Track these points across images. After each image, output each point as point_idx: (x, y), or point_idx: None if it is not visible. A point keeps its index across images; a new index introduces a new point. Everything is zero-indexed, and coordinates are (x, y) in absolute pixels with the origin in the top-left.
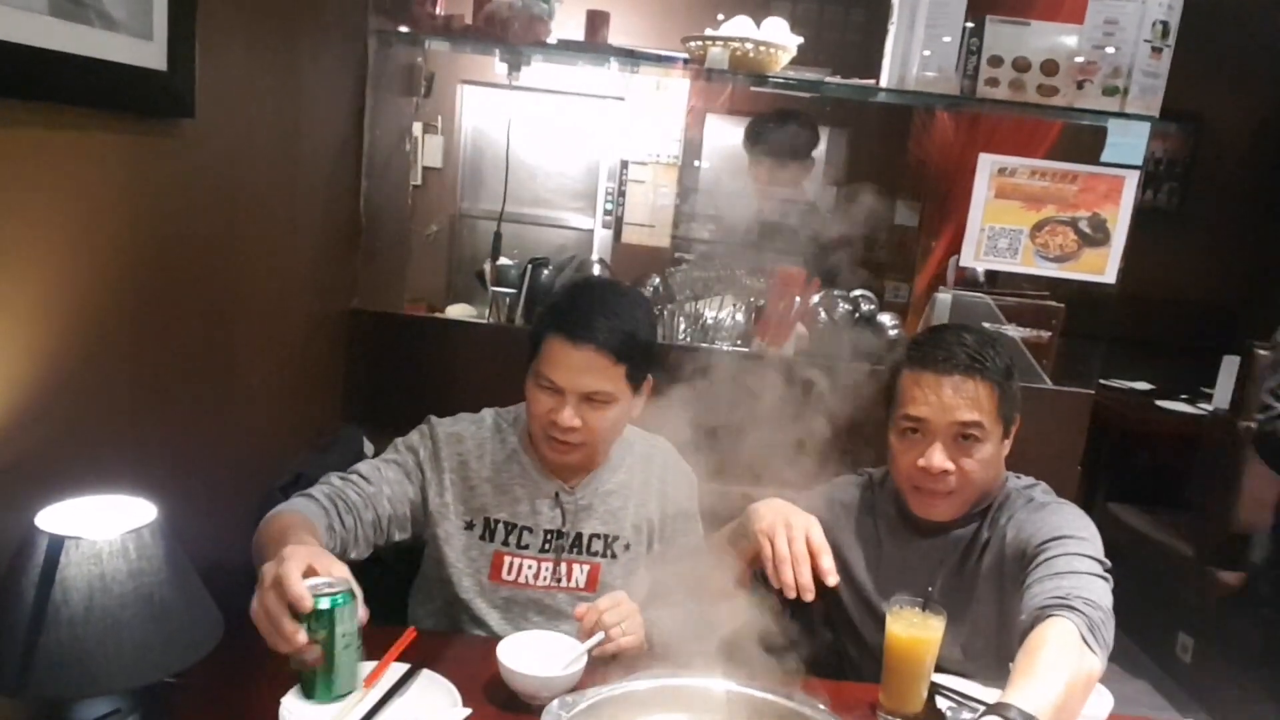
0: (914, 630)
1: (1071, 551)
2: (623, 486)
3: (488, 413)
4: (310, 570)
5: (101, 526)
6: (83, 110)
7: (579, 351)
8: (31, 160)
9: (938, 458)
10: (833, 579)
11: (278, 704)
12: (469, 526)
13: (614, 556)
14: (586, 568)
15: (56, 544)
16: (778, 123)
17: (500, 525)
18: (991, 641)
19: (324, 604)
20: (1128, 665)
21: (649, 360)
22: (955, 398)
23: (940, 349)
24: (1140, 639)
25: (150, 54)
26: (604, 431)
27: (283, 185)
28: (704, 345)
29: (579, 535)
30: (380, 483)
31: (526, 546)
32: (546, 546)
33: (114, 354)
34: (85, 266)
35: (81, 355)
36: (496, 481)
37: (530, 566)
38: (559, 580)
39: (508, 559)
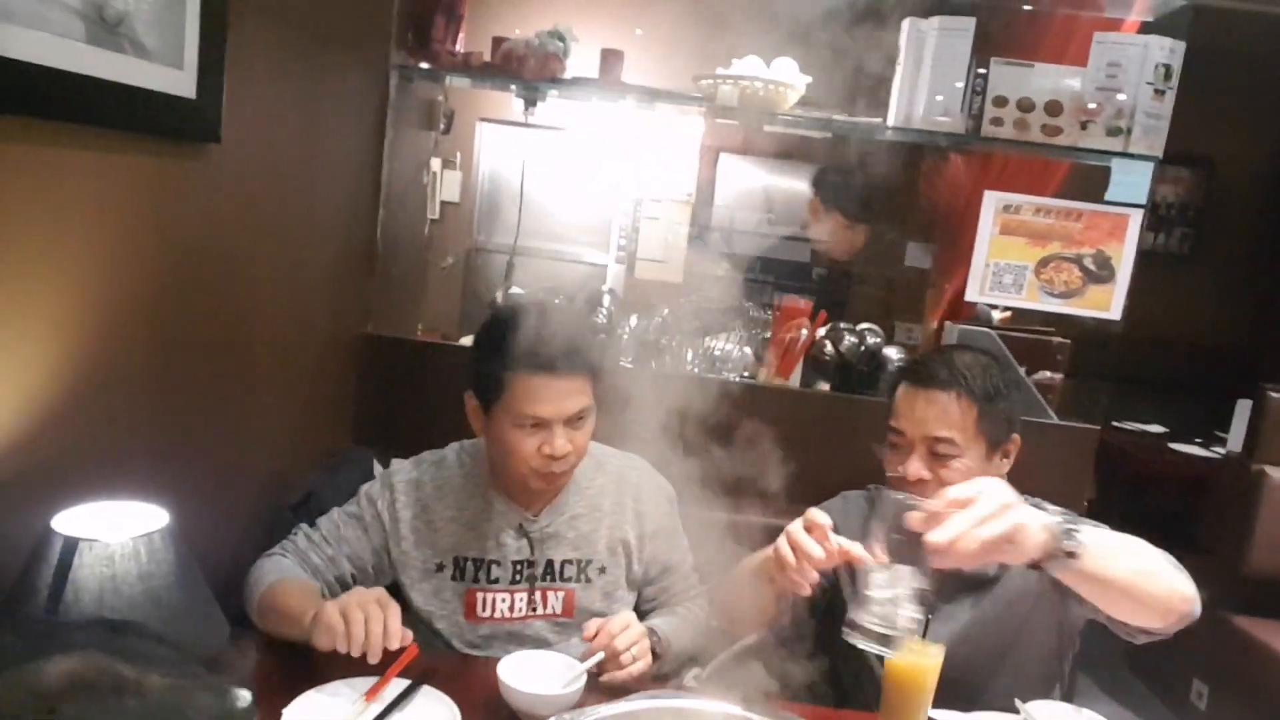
0: (913, 658)
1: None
2: (592, 509)
3: (451, 449)
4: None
5: (114, 530)
6: (114, 133)
7: (559, 380)
8: (62, 179)
9: (913, 467)
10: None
11: (279, 713)
12: (439, 569)
13: (589, 580)
14: (561, 594)
15: (70, 545)
16: (847, 175)
17: (469, 563)
18: (986, 658)
19: None
20: (1142, 712)
21: (601, 363)
22: (929, 411)
23: (927, 366)
24: (1155, 685)
25: (180, 82)
26: (584, 448)
27: (302, 211)
28: (709, 376)
29: (549, 563)
30: (339, 543)
31: (496, 580)
32: (517, 578)
33: (134, 367)
34: (110, 282)
35: (103, 367)
36: (461, 520)
37: (504, 600)
38: (534, 609)
39: (480, 595)
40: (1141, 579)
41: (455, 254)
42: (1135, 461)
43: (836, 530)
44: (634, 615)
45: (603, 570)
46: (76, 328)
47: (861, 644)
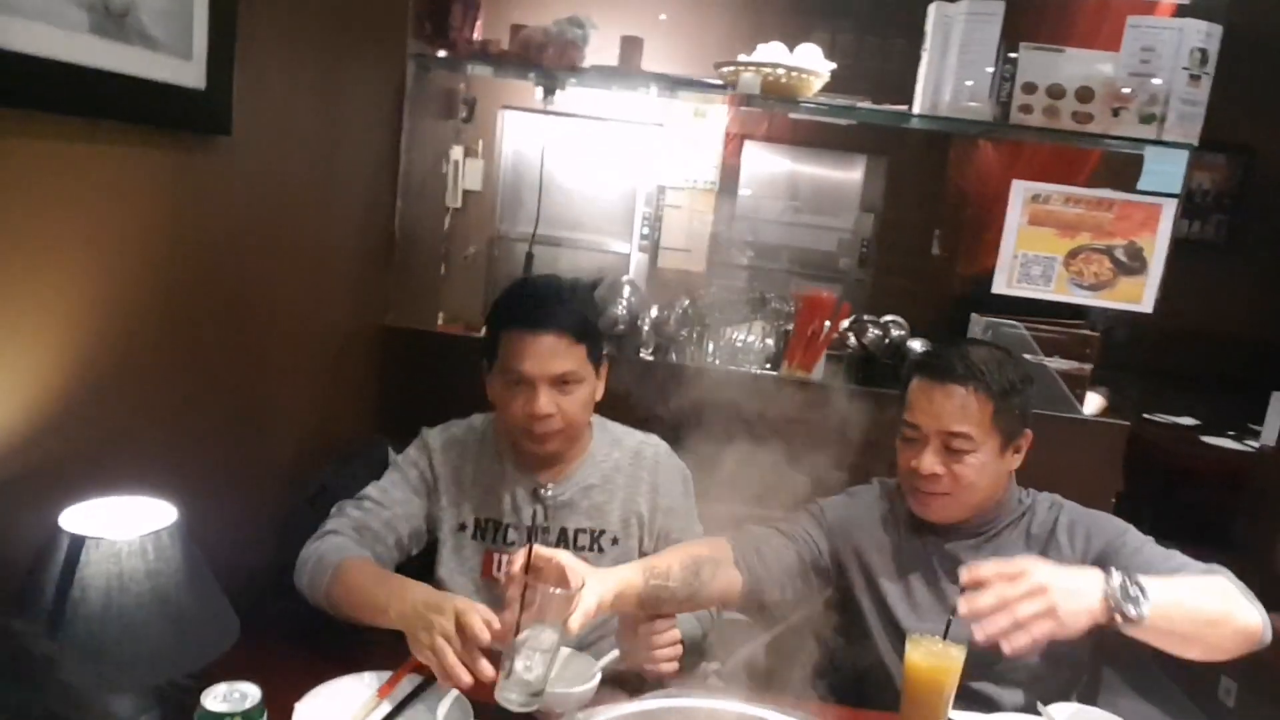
0: (934, 660)
1: (1149, 539)
2: (607, 480)
3: (479, 416)
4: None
5: (121, 528)
6: (122, 126)
7: (541, 337)
8: (71, 173)
9: (927, 461)
10: None
11: (292, 709)
12: (461, 529)
13: (601, 550)
14: None
15: (77, 543)
16: None
17: (489, 524)
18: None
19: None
20: (1170, 709)
21: (601, 341)
22: (945, 405)
23: (942, 359)
24: (1182, 681)
25: (189, 73)
26: (577, 414)
27: (318, 203)
28: (730, 368)
29: (563, 530)
30: (393, 505)
31: (512, 543)
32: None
33: (145, 363)
34: (120, 277)
35: (113, 362)
36: (483, 482)
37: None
38: None
39: (496, 556)
40: (1207, 629)
41: (478, 243)
42: (1166, 455)
43: (846, 526)
44: (674, 628)
45: (615, 541)
46: (85, 322)
47: (513, 699)
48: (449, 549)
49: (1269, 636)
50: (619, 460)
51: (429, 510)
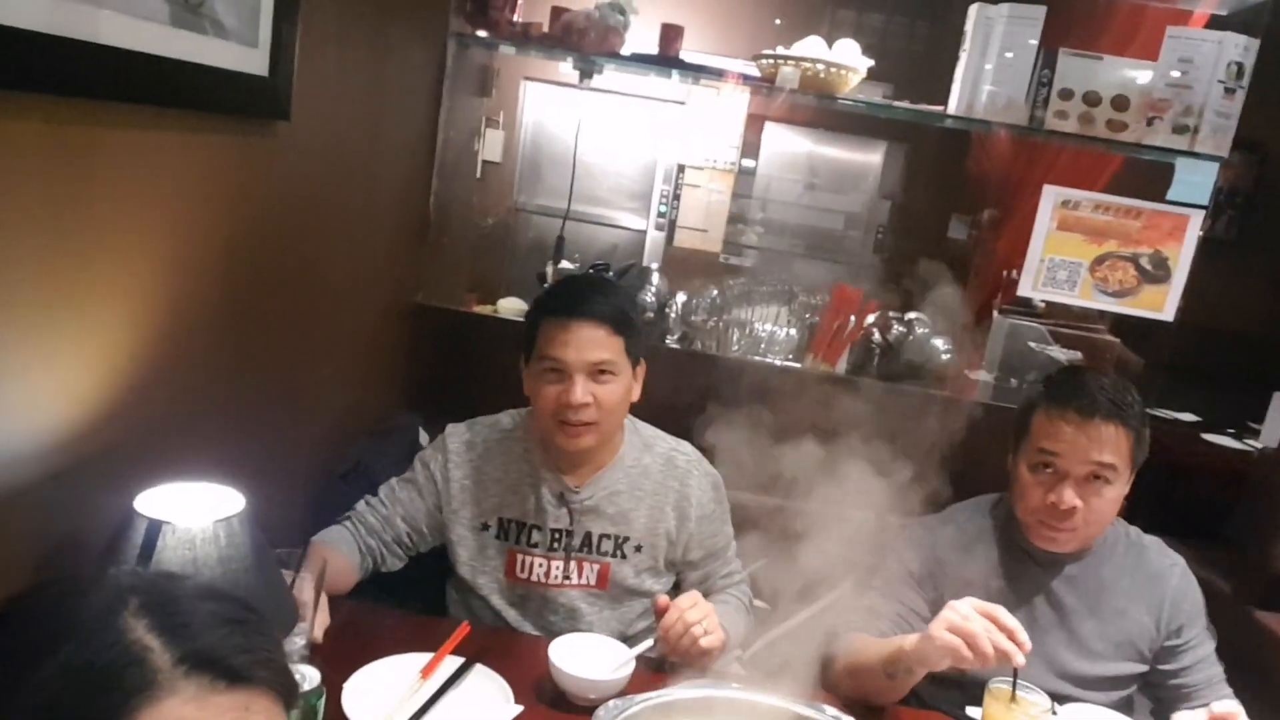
0: (1014, 714)
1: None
2: (633, 487)
3: (507, 414)
4: None
5: (195, 513)
6: (192, 114)
7: (578, 326)
8: (143, 161)
9: (1068, 495)
10: (1021, 658)
11: (338, 688)
12: (484, 528)
13: (624, 556)
14: (596, 566)
15: (155, 527)
16: None
17: (512, 524)
18: (1074, 671)
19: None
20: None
21: (640, 338)
22: (1095, 440)
23: (1083, 393)
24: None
25: (254, 60)
26: (612, 407)
27: (363, 184)
28: (755, 358)
29: (587, 535)
30: (394, 504)
31: (535, 545)
32: (555, 545)
33: (208, 346)
34: (187, 262)
35: (178, 346)
36: (507, 481)
37: (541, 565)
38: (569, 578)
39: (520, 557)
40: None
41: (496, 215)
42: (1166, 451)
43: (933, 566)
44: (699, 593)
45: (639, 549)
46: (151, 306)
47: None
48: (471, 548)
49: None
50: (648, 466)
51: (435, 511)
